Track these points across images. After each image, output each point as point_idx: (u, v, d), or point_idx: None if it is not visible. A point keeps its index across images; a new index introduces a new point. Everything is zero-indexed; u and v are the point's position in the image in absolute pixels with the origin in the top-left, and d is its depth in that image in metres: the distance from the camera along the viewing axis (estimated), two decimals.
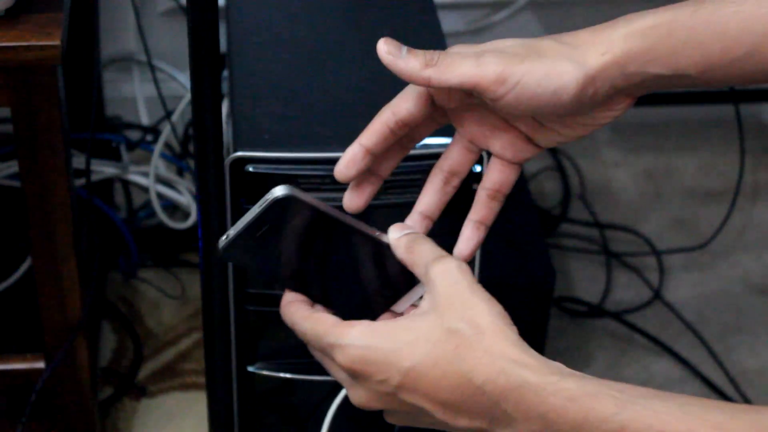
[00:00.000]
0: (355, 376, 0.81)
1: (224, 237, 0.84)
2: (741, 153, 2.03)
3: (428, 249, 0.83)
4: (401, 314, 0.86)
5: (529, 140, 0.87)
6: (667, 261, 2.02)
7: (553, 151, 2.16)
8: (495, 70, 0.81)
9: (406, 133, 0.87)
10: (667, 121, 2.27)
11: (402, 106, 0.85)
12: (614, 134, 2.25)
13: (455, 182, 0.88)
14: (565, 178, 2.13)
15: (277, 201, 0.82)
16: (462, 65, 0.81)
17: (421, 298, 0.84)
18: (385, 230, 0.87)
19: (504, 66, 0.81)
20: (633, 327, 1.90)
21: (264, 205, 0.83)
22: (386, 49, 0.83)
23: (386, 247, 0.85)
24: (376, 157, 0.86)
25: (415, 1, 1.48)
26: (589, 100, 0.82)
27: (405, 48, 0.83)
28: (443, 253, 0.83)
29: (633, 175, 2.19)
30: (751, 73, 0.82)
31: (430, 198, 0.88)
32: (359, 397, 0.82)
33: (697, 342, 1.88)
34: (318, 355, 0.85)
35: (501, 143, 0.87)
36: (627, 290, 1.97)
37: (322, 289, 0.86)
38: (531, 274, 1.62)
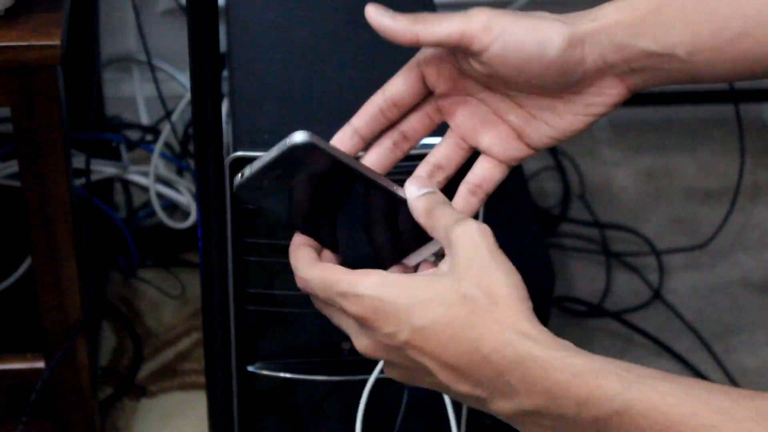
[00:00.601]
0: (365, 325, 0.80)
1: (239, 175, 0.83)
2: (741, 153, 2.03)
3: (448, 213, 0.83)
4: (411, 268, 0.86)
5: (520, 137, 0.87)
6: (667, 261, 2.02)
7: (553, 151, 2.16)
8: (481, 20, 0.82)
9: (397, 125, 0.87)
10: (667, 121, 2.27)
11: (392, 83, 0.87)
12: (614, 134, 2.25)
13: (440, 177, 0.88)
14: (565, 177, 2.13)
15: (296, 147, 0.81)
16: (449, 19, 0.83)
17: (435, 255, 0.84)
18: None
19: (490, 17, 0.83)
20: (633, 327, 1.90)
21: (282, 149, 0.81)
22: (375, 12, 0.85)
23: (402, 202, 0.84)
24: (365, 140, 0.87)
25: (415, 2, 1.48)
26: (576, 65, 0.83)
27: (393, 12, 0.85)
28: (463, 215, 0.83)
29: (633, 175, 2.19)
30: (741, 60, 0.82)
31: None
32: (365, 345, 0.82)
33: (697, 342, 1.88)
34: (320, 304, 0.84)
35: (490, 138, 0.87)
36: (627, 290, 1.97)
37: (333, 235, 0.85)
38: (531, 274, 1.61)
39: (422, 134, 0.88)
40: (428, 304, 0.78)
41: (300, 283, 0.84)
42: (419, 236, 0.85)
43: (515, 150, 0.87)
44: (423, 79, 0.87)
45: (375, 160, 0.88)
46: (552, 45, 0.82)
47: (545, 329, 0.78)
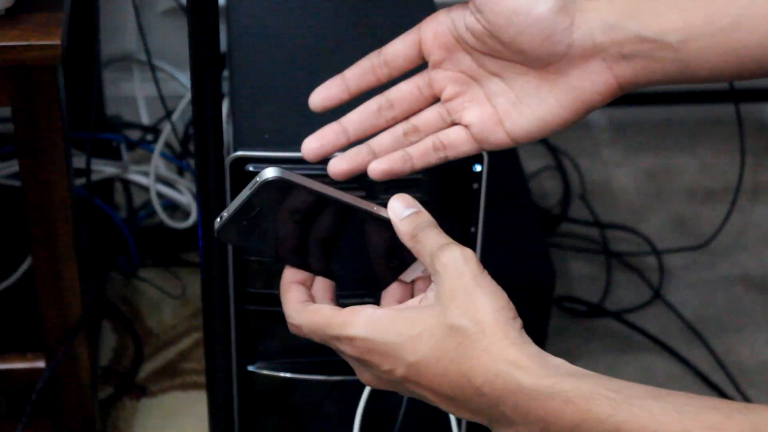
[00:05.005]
0: (363, 363, 0.82)
1: (218, 219, 0.84)
2: (741, 153, 2.03)
3: (433, 237, 0.83)
4: (410, 283, 0.86)
5: (501, 122, 0.87)
6: (667, 261, 2.02)
7: (554, 151, 2.16)
8: None
9: (386, 92, 0.89)
10: (667, 121, 2.27)
11: (390, 44, 0.89)
12: (614, 134, 2.25)
13: (414, 138, 0.89)
14: (566, 177, 2.13)
15: (266, 183, 0.82)
16: None
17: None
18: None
19: None
20: (633, 327, 1.90)
21: (253, 187, 0.82)
22: None
23: (387, 222, 0.84)
24: (351, 93, 0.89)
25: (415, 1, 1.48)
26: (563, 33, 0.83)
27: None
28: (447, 240, 0.83)
29: (633, 175, 2.19)
30: (733, 51, 0.81)
31: (385, 141, 0.90)
32: (368, 380, 0.84)
33: (697, 342, 1.88)
34: (318, 339, 0.85)
35: (473, 115, 0.88)
36: (627, 290, 1.97)
37: (324, 263, 0.85)
38: (531, 274, 1.62)
39: (408, 103, 0.89)
40: (417, 339, 0.79)
41: (293, 330, 0.85)
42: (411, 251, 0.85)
43: (492, 133, 0.87)
44: (419, 45, 0.88)
45: (357, 119, 0.89)
46: (544, 1, 0.82)
47: (535, 351, 0.78)
